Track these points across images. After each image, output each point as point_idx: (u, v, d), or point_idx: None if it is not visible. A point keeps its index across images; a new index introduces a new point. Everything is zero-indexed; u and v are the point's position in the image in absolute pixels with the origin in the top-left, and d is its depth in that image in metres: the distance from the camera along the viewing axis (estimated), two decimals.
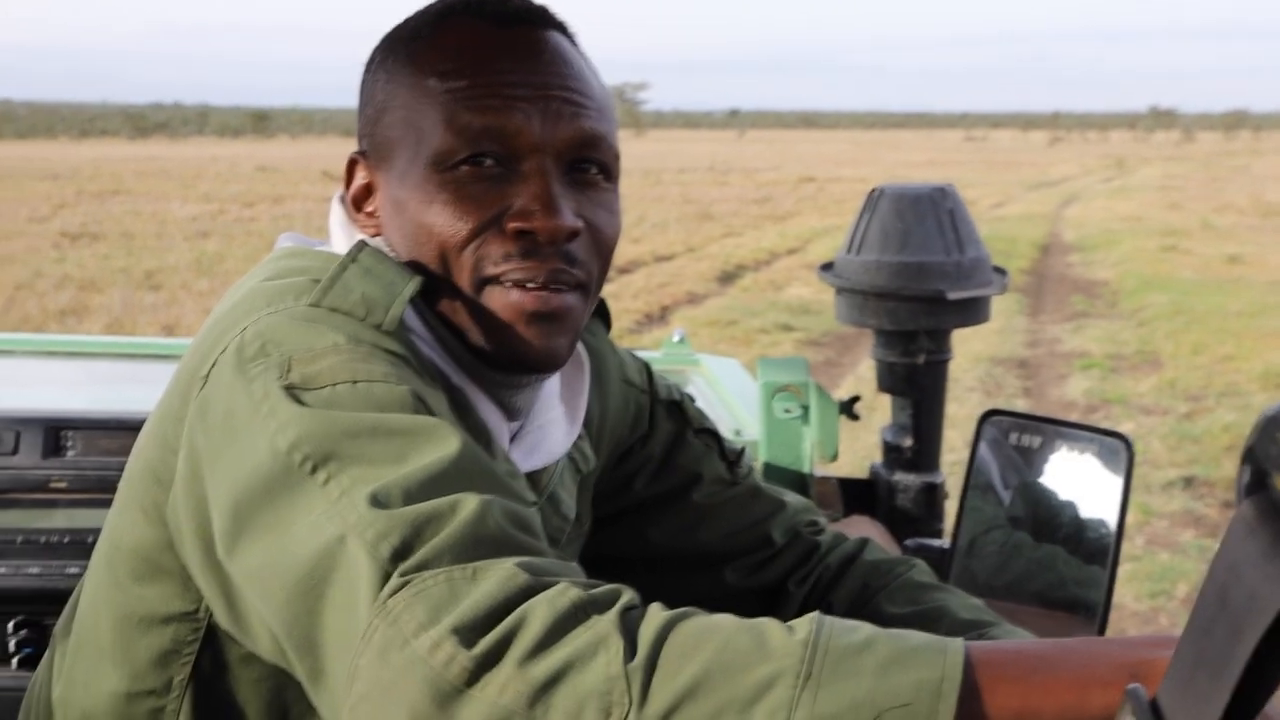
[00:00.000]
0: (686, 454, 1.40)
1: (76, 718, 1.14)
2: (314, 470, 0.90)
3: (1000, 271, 1.98)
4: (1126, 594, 4.76)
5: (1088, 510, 1.50)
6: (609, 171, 1.14)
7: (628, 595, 0.84)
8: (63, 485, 1.79)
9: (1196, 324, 11.19)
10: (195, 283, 13.00)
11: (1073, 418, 7.56)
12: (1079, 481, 1.51)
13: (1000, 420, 1.58)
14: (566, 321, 1.11)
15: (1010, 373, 9.15)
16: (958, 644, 0.80)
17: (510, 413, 1.17)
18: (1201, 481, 6.37)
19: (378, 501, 0.86)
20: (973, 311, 1.93)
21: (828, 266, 2.02)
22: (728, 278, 14.50)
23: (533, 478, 1.20)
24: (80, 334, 9.49)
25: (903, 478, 1.98)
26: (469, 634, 0.79)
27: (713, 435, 1.42)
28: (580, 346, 1.28)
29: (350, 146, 1.21)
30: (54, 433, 1.81)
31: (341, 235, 1.18)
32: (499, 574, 0.82)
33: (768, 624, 0.82)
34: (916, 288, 1.89)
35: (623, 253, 14.78)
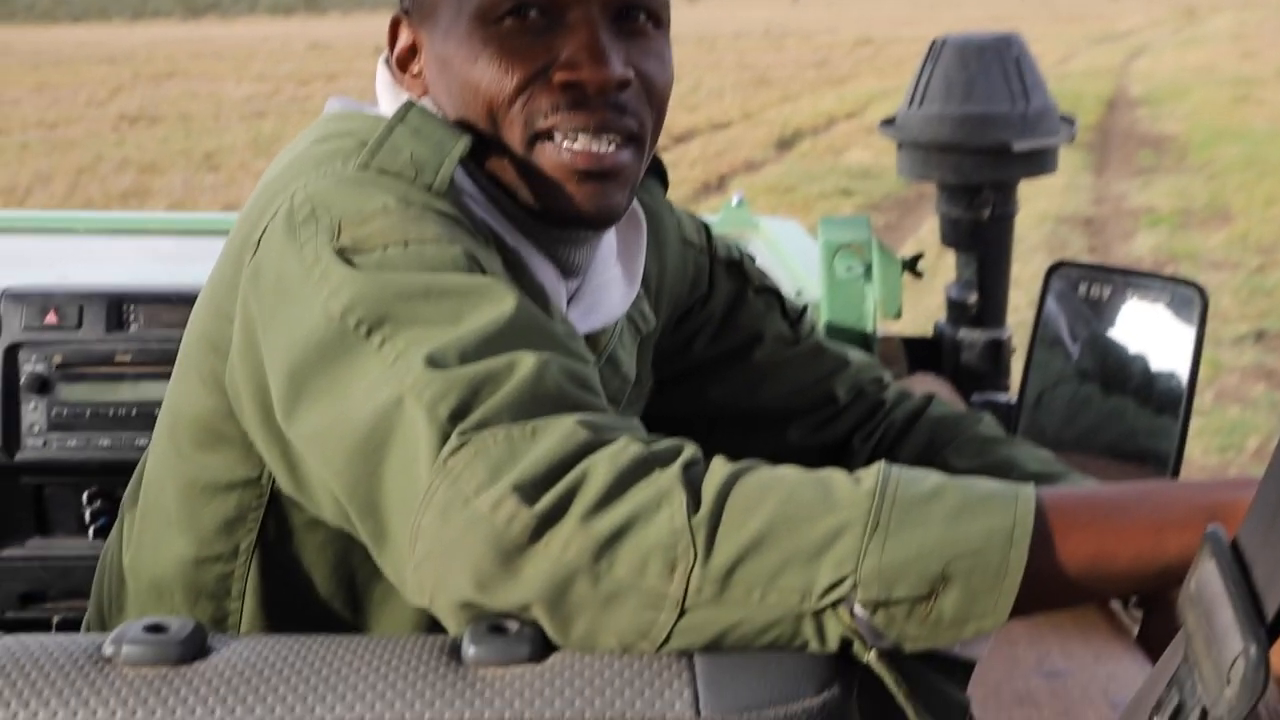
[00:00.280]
0: (747, 313, 1.38)
1: (147, 583, 1.16)
2: (369, 334, 0.89)
3: (1067, 120, 1.92)
4: (1195, 448, 4.71)
5: (1159, 361, 1.47)
6: (658, 18, 1.10)
7: (690, 450, 0.82)
8: (127, 358, 1.81)
9: (1269, 175, 10.91)
10: (253, 163, 13.02)
11: None
12: (1150, 332, 1.48)
13: (1068, 272, 1.54)
14: (621, 176, 1.09)
15: (1076, 231, 9.00)
16: (1029, 490, 0.78)
17: (566, 271, 1.15)
18: (1273, 335, 6.27)
19: (434, 362, 0.85)
20: (1039, 162, 1.88)
21: (889, 122, 1.97)
22: (785, 144, 14.29)
23: (591, 339, 1.18)
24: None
25: (968, 334, 1.95)
26: (531, 491, 0.78)
27: (774, 293, 1.40)
28: (637, 206, 1.26)
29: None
30: (117, 306, 1.82)
31: (388, 97, 1.16)
32: (559, 431, 0.81)
33: (833, 475, 0.80)
34: (981, 139, 1.84)
35: (678, 121, 14.61)
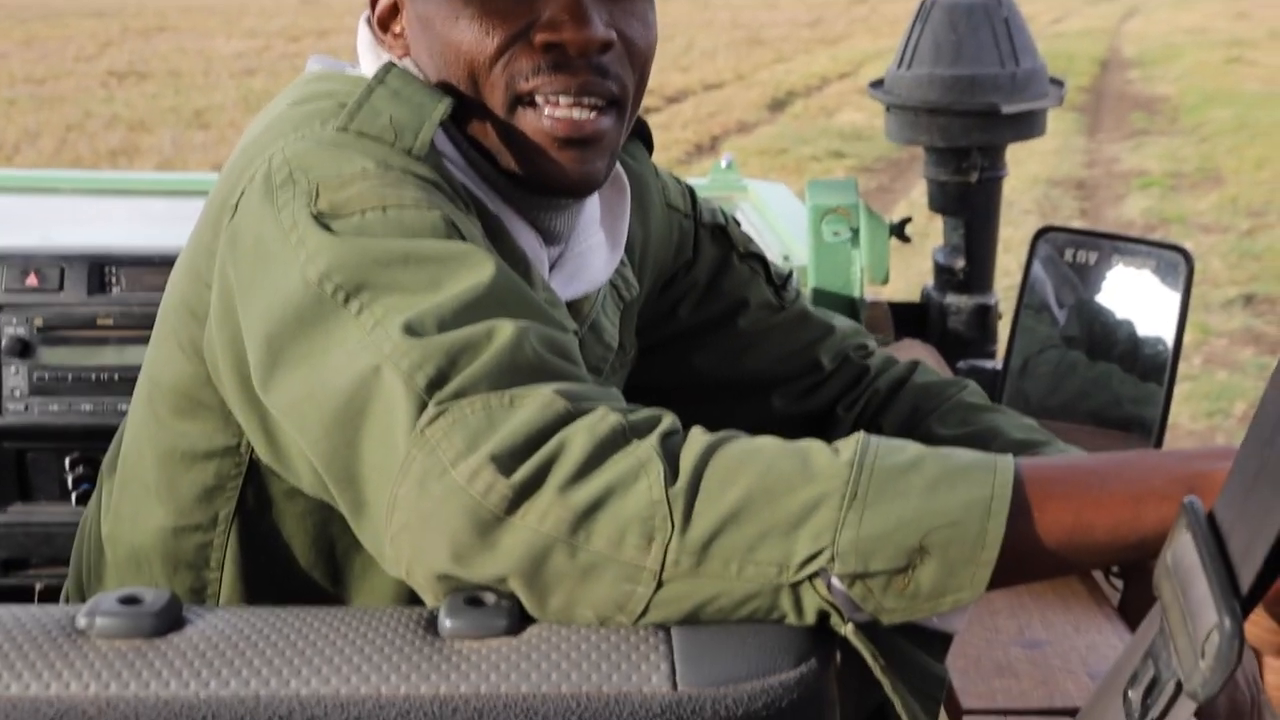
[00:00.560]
0: (732, 279, 1.37)
1: (125, 553, 1.15)
2: (346, 300, 0.88)
3: (1057, 83, 1.91)
4: (1182, 413, 4.72)
5: (1145, 327, 1.47)
6: None
7: (668, 420, 0.82)
8: (109, 322, 1.80)
9: (1260, 138, 10.89)
10: (243, 120, 12.93)
11: None
12: (1136, 297, 1.48)
13: (1055, 237, 1.53)
14: (602, 143, 1.07)
15: (1067, 194, 8.99)
16: (1007, 461, 0.77)
17: (548, 237, 1.14)
18: (1262, 299, 6.27)
19: (412, 330, 0.84)
20: (1028, 125, 1.87)
21: (878, 84, 1.96)
22: (778, 105, 14.23)
23: (574, 306, 1.17)
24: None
25: (955, 299, 1.95)
26: (508, 461, 0.78)
27: (759, 259, 1.39)
28: (620, 171, 1.24)
29: None
30: (98, 269, 1.81)
31: (370, 57, 1.14)
32: (537, 400, 0.80)
33: (812, 445, 0.80)
34: (970, 101, 1.83)
35: (670, 82, 14.54)
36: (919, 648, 0.81)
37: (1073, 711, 1.01)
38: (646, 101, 1.17)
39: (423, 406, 0.81)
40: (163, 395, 1.10)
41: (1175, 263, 1.42)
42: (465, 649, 0.76)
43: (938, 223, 1.98)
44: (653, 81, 1.16)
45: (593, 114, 1.06)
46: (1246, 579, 0.62)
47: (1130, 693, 0.69)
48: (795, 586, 0.76)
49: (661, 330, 1.36)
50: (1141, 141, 11.27)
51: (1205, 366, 5.37)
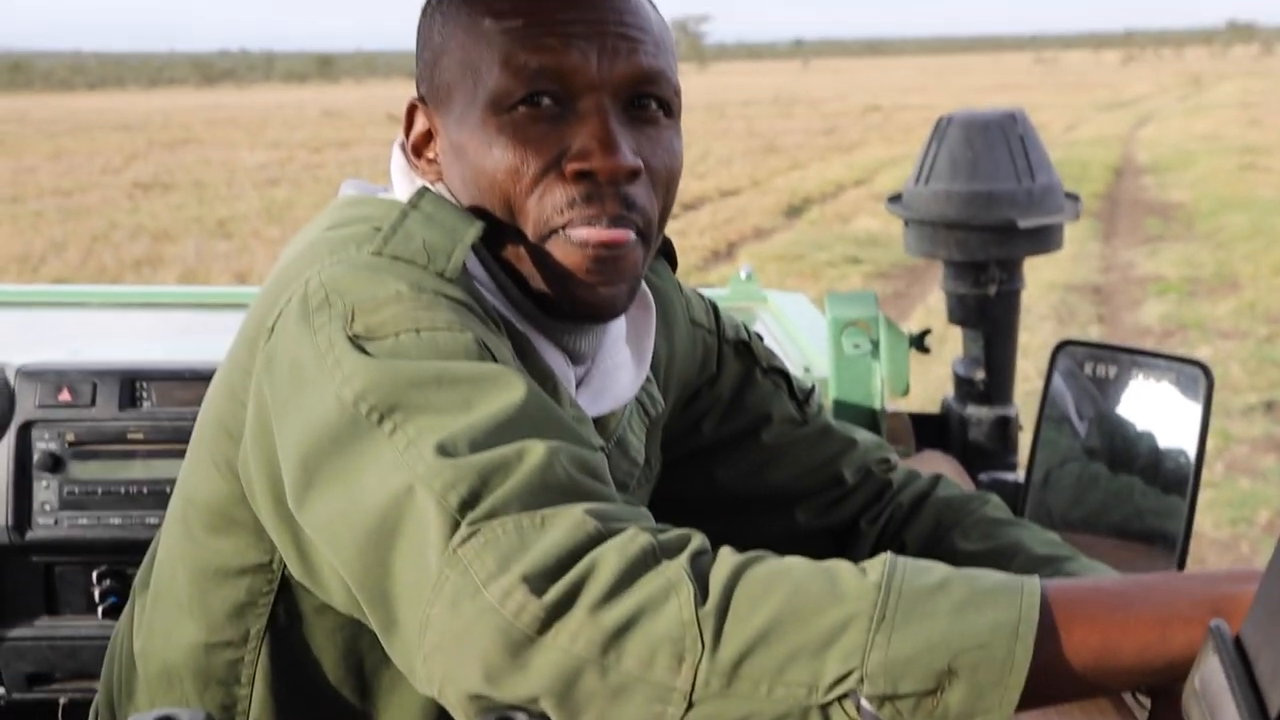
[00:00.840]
0: (755, 394, 1.39)
1: (157, 669, 1.16)
2: (380, 421, 0.90)
3: (1072, 197, 1.94)
4: (1206, 521, 4.69)
5: (1166, 440, 1.48)
6: (669, 107, 1.12)
7: (698, 540, 0.83)
8: (140, 436, 1.82)
9: (1276, 244, 10.94)
10: (266, 230, 13.11)
11: (1148, 344, 7.46)
12: (1156, 411, 1.48)
13: (1074, 350, 1.55)
14: (626, 269, 1.10)
15: (1084, 299, 9.02)
16: (1034, 583, 0.78)
17: (575, 357, 1.16)
18: None
19: (444, 450, 0.86)
20: (1044, 239, 1.90)
21: (896, 198, 1.99)
22: (794, 211, 14.37)
23: (600, 423, 1.19)
24: (155, 284, 9.63)
25: (975, 411, 1.96)
26: (540, 581, 0.79)
27: (781, 374, 1.41)
28: (645, 288, 1.27)
29: (414, 90, 1.20)
30: (130, 384, 1.83)
31: (403, 182, 1.17)
32: (568, 521, 0.82)
33: (840, 566, 0.81)
34: (987, 217, 1.86)
35: (687, 189, 14.69)
36: None
37: None
38: None
39: (455, 526, 0.83)
40: (197, 512, 1.11)
41: (1195, 376, 1.43)
42: None
43: (956, 329, 2.00)
44: None
45: (619, 240, 1.08)
46: (1275, 702, 0.62)
47: None
48: (825, 708, 0.77)
49: (686, 445, 1.38)
50: (1157, 247, 11.33)
51: (1228, 474, 5.34)
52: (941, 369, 5.45)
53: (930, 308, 8.31)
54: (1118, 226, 12.72)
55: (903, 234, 1.98)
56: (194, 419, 1.79)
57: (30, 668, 1.85)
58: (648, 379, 1.28)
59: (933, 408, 2.08)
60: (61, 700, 1.86)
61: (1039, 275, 8.80)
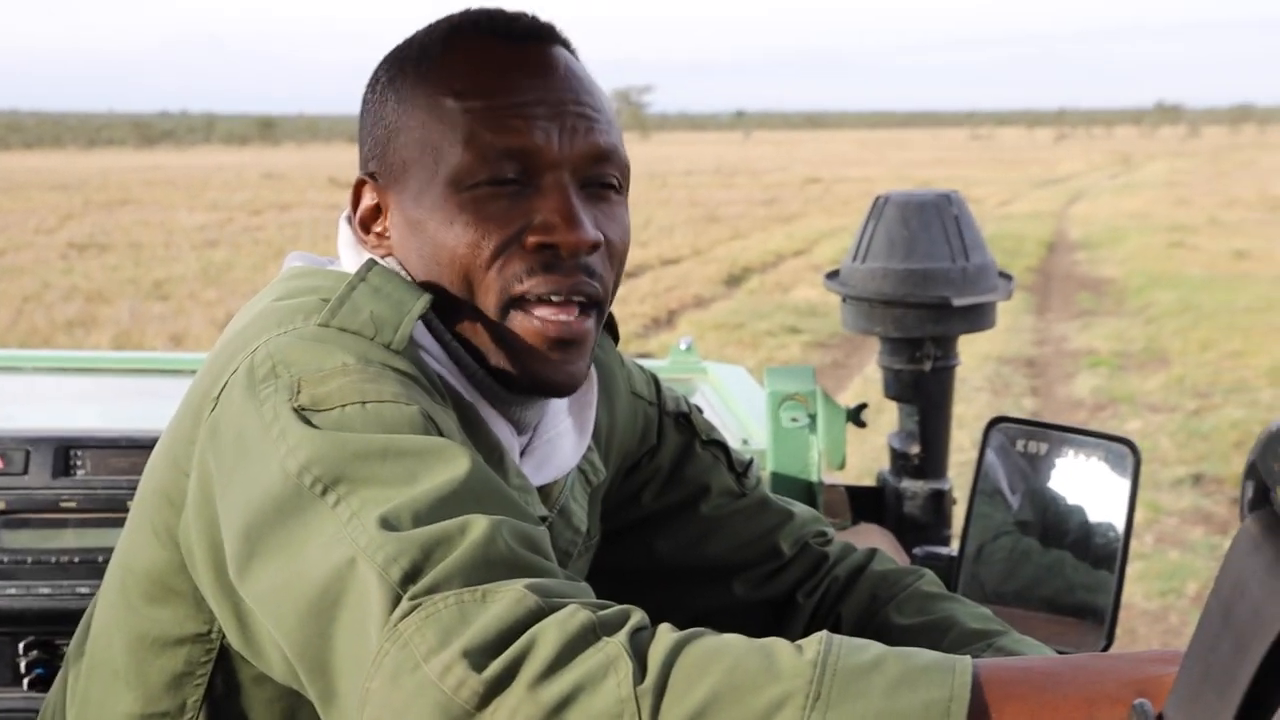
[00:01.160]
0: (695, 466, 1.40)
1: None
2: (324, 492, 0.90)
3: (1006, 277, 1.98)
4: (1136, 593, 4.75)
5: (1095, 515, 1.51)
6: (620, 184, 1.15)
7: (637, 616, 0.84)
8: (73, 505, 1.79)
9: (1204, 320, 11.17)
10: (203, 292, 13.02)
11: (1080, 416, 7.57)
12: (1086, 487, 1.52)
13: (1007, 427, 1.58)
14: (585, 344, 1.12)
15: (1018, 371, 9.15)
16: (966, 662, 0.80)
17: (519, 427, 1.17)
18: (1210, 479, 6.36)
19: (388, 524, 0.87)
20: (978, 317, 1.94)
21: (834, 275, 2.03)
22: (734, 280, 14.50)
23: (544, 491, 1.20)
24: (88, 348, 9.51)
25: (910, 485, 1.98)
26: (479, 657, 0.79)
27: (721, 447, 1.43)
28: None
29: (356, 156, 1.21)
30: (64, 452, 1.81)
31: (350, 255, 1.18)
32: (509, 596, 0.82)
33: (777, 644, 0.82)
34: (922, 295, 1.90)
35: (629, 257, 14.76)
36: None
37: None
38: None
39: (396, 600, 0.83)
40: (135, 580, 1.11)
41: (1123, 454, 1.46)
42: None
43: (891, 402, 2.03)
44: None
45: (578, 316, 1.11)
46: None
47: None
48: None
49: (625, 515, 1.39)
50: (1089, 321, 11.53)
51: (1157, 545, 5.42)
52: (877, 439, 5.50)
53: (868, 378, 8.39)
54: (1051, 300, 12.94)
55: (840, 310, 2.01)
56: (129, 487, 1.78)
57: None
58: (590, 448, 1.29)
59: (869, 482, 2.11)
60: None
61: (974, 347, 8.92)
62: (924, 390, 1.97)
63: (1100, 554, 1.49)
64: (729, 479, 1.41)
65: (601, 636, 0.81)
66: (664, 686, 0.78)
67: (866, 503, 2.03)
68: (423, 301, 1.07)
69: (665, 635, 0.82)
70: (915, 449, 1.98)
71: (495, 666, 0.79)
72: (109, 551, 1.71)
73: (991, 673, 0.80)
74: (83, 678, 1.17)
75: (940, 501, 1.98)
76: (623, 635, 0.81)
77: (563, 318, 1.10)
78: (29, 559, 1.77)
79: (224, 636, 1.06)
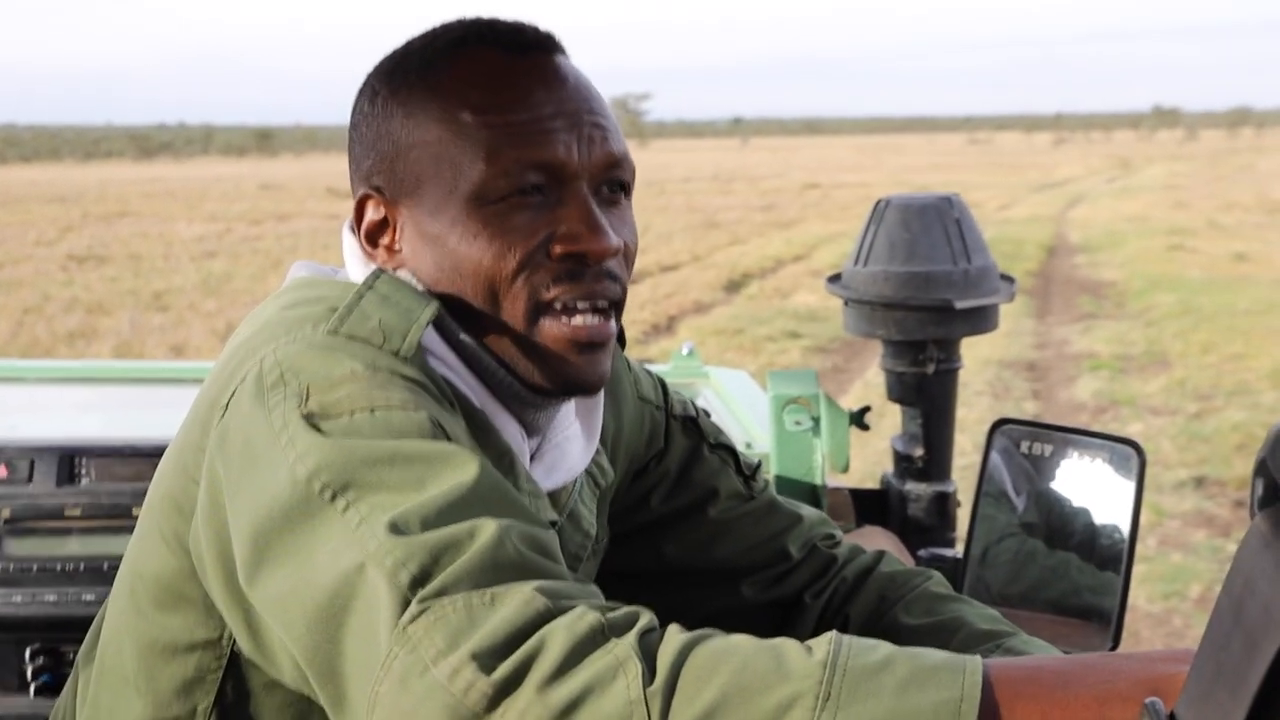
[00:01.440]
0: (702, 469, 1.41)
1: None
2: (333, 498, 0.91)
3: (1008, 279, 1.98)
4: (1139, 595, 4.75)
5: (1101, 517, 1.51)
6: (628, 189, 1.17)
7: (646, 618, 0.84)
8: (77, 512, 1.80)
9: (1204, 323, 11.18)
10: (202, 303, 13.03)
11: (1082, 419, 7.57)
12: (1091, 488, 1.52)
13: (1011, 429, 1.58)
14: (608, 345, 1.14)
15: (1019, 375, 9.15)
16: (976, 662, 0.80)
17: (530, 430, 1.18)
18: (1212, 481, 6.36)
19: (396, 529, 0.87)
20: (981, 320, 1.94)
21: (835, 278, 2.03)
22: (734, 286, 14.51)
23: (553, 495, 1.21)
24: (90, 358, 9.52)
25: (914, 487, 1.98)
26: (488, 660, 0.80)
27: (729, 450, 1.43)
28: None
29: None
30: (68, 460, 1.81)
31: (358, 267, 1.18)
32: (517, 599, 0.83)
33: (786, 644, 0.82)
34: (924, 297, 1.90)
35: None
36: None
37: None
38: None
39: (405, 604, 0.84)
40: (145, 588, 1.11)
41: (1128, 455, 1.46)
42: None
43: (894, 405, 2.03)
44: None
45: (604, 319, 1.12)
46: None
47: None
48: None
49: (633, 519, 1.39)
50: (1090, 325, 11.53)
51: (1160, 548, 5.42)
52: (880, 442, 5.50)
53: (868, 382, 8.40)
54: (1051, 304, 12.95)
55: (842, 313, 2.01)
56: (134, 495, 1.78)
57: None
58: (598, 451, 1.30)
59: (872, 484, 2.11)
60: None
61: (975, 351, 8.92)
62: (927, 393, 1.97)
63: (1106, 556, 1.48)
64: (737, 482, 1.41)
65: (610, 638, 0.81)
66: (673, 688, 0.79)
67: (870, 505, 2.03)
68: (431, 309, 1.08)
69: (674, 636, 0.82)
70: (919, 451, 1.97)
71: (504, 669, 0.79)
72: (114, 558, 1.71)
73: (1002, 672, 0.80)
74: (93, 684, 1.18)
75: (944, 504, 1.98)
76: (631, 637, 0.81)
77: (591, 321, 1.11)
78: (34, 566, 1.78)
79: (234, 643, 1.06)
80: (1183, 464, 6.65)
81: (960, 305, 1.89)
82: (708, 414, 1.46)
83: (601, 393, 1.28)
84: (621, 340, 1.37)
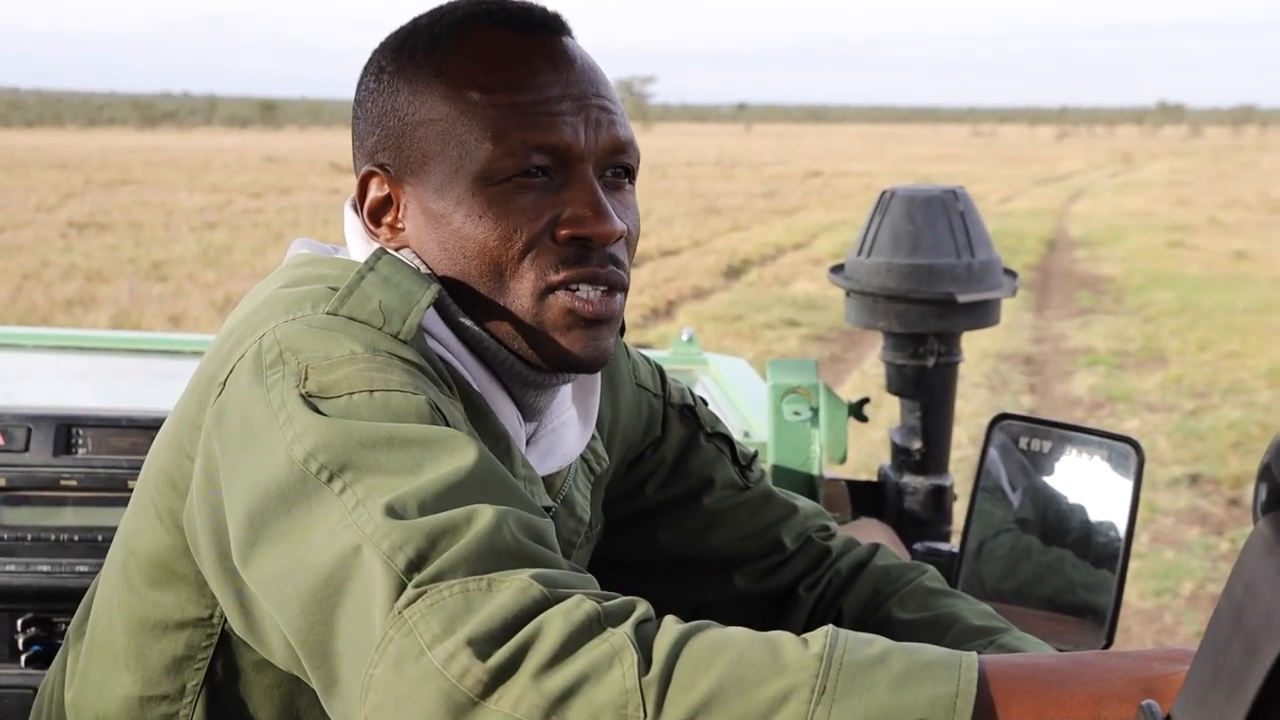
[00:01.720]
0: (699, 458, 1.40)
1: None
2: (330, 479, 0.90)
3: (1011, 274, 1.98)
4: (1132, 592, 4.76)
5: (1097, 514, 1.50)
6: (633, 174, 1.17)
7: (642, 607, 0.84)
8: (73, 483, 1.79)
9: (1203, 320, 11.18)
10: (202, 274, 13.01)
11: (1078, 415, 7.57)
12: (1088, 485, 1.51)
13: (1010, 425, 1.58)
14: (613, 323, 1.14)
15: (1016, 369, 9.15)
16: (972, 658, 0.80)
17: (528, 414, 1.17)
18: (1207, 479, 6.37)
19: (393, 512, 0.87)
20: (983, 314, 1.94)
21: (838, 269, 2.02)
22: (734, 273, 14.50)
23: (548, 480, 1.20)
24: (88, 327, 9.51)
25: (911, 480, 1.98)
26: (484, 646, 0.79)
27: (725, 439, 1.43)
28: None
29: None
30: (65, 430, 1.81)
31: (360, 245, 1.18)
32: (514, 586, 0.82)
33: (782, 637, 0.82)
34: (927, 290, 1.89)
35: None
36: None
37: None
38: None
39: (401, 588, 0.83)
40: (138, 564, 1.11)
41: (1126, 453, 1.46)
42: None
43: (892, 397, 2.03)
44: None
45: (608, 296, 1.12)
46: None
47: None
48: None
49: (628, 507, 1.39)
50: (1088, 320, 11.53)
51: (1153, 545, 5.42)
52: (877, 432, 5.51)
53: (865, 373, 8.39)
54: (1050, 298, 12.94)
55: (844, 304, 2.01)
56: (130, 467, 1.77)
57: None
58: (593, 437, 1.29)
59: (869, 476, 2.11)
60: None
61: (973, 344, 8.90)
62: (926, 386, 1.96)
63: (1101, 553, 1.48)
64: (733, 472, 1.41)
65: (607, 627, 0.81)
66: (669, 678, 0.78)
67: (867, 497, 2.02)
68: (431, 292, 1.07)
69: (671, 627, 0.82)
70: (917, 444, 1.97)
71: (500, 655, 0.79)
72: (108, 530, 1.71)
73: (997, 669, 0.80)
74: (82, 658, 1.17)
75: (941, 497, 1.98)
76: (628, 626, 0.81)
77: (595, 298, 1.11)
78: (28, 536, 1.77)
79: (225, 621, 1.06)
80: (1177, 461, 6.65)
81: (963, 299, 1.89)
82: (705, 402, 1.46)
83: (598, 379, 1.27)
84: (621, 328, 1.37)
